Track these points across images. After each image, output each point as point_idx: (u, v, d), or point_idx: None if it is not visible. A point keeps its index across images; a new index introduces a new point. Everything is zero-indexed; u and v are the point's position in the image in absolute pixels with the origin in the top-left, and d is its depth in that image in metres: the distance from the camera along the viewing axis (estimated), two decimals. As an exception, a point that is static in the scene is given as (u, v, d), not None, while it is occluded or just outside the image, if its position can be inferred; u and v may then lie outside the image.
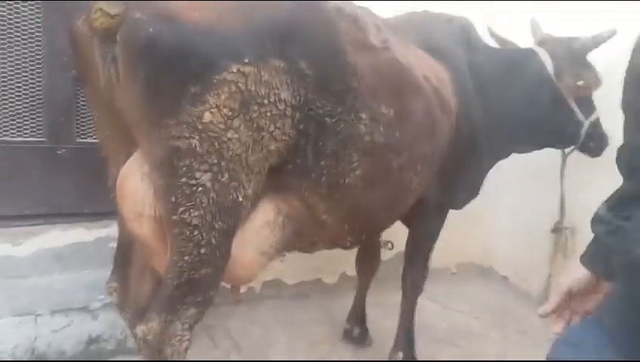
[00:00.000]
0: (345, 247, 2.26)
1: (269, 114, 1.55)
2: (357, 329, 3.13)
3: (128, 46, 1.39)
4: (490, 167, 3.04)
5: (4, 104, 2.63)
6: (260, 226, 1.80)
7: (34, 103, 2.68)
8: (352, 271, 3.80)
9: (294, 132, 1.65)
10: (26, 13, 2.62)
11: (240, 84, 1.46)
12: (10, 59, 2.60)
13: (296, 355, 2.93)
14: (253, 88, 1.49)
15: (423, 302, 3.78)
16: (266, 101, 1.53)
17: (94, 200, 2.74)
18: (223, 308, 3.33)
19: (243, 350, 2.93)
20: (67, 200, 2.77)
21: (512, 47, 3.10)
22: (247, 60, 1.46)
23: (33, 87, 2.67)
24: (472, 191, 2.92)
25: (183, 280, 1.57)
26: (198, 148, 1.45)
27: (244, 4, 1.54)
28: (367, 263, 3.10)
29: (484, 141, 2.71)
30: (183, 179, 1.47)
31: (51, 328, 2.43)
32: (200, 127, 1.44)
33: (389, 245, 3.16)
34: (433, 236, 2.79)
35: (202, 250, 1.55)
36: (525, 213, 4.10)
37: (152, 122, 1.45)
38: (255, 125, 1.53)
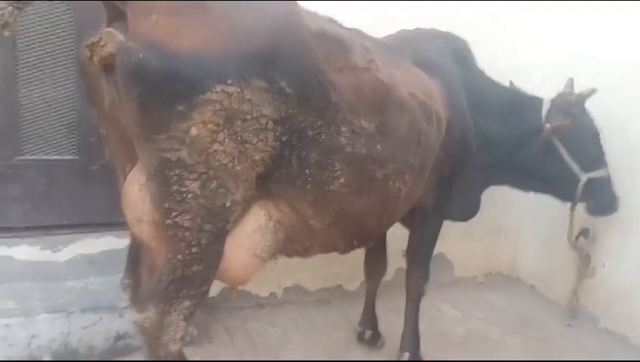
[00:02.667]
0: (339, 252, 2.40)
1: (252, 128, 1.73)
2: (368, 331, 3.25)
3: (123, 71, 1.61)
4: (484, 187, 3.20)
5: (42, 126, 2.99)
6: (252, 230, 1.97)
7: (68, 125, 3.03)
8: (372, 278, 3.94)
9: (278, 143, 1.83)
10: (60, 43, 2.96)
11: (224, 102, 1.65)
12: (48, 85, 2.95)
13: (309, 356, 3.08)
14: (236, 106, 1.68)
15: (444, 308, 3.89)
16: (248, 117, 1.71)
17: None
18: (246, 311, 3.55)
19: (258, 349, 3.11)
20: (99, 212, 3.08)
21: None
22: (230, 81, 1.65)
23: (67, 111, 3.02)
24: (465, 200, 3.07)
25: (177, 276, 1.76)
26: (187, 160, 1.65)
27: (229, 31, 1.72)
28: (374, 267, 3.23)
29: (477, 152, 2.87)
30: (175, 187, 1.68)
31: (82, 325, 2.71)
32: (188, 140, 1.64)
33: (404, 252, 3.28)
34: (431, 240, 2.92)
35: (193, 249, 1.74)
36: (552, 225, 4.08)
37: (146, 137, 1.66)
38: (239, 138, 1.72)
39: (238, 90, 1.67)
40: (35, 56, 2.91)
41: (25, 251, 2.89)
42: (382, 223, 2.48)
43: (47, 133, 3.00)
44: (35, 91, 2.94)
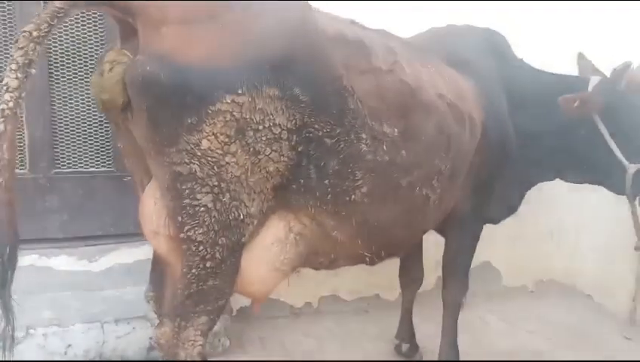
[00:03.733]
0: (367, 264, 2.29)
1: (264, 138, 1.67)
2: (405, 344, 3.13)
3: (132, 84, 1.60)
4: (527, 186, 2.95)
5: (78, 139, 3.06)
6: (271, 243, 1.91)
7: (104, 137, 3.09)
8: (412, 287, 3.80)
9: (293, 153, 1.76)
10: (93, 55, 3.03)
11: (235, 113, 1.61)
12: (83, 98, 3.02)
13: (345, 368, 3.00)
14: (248, 116, 1.63)
15: (489, 320, 3.70)
16: (261, 127, 1.66)
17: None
18: (281, 320, 3.50)
19: (292, 360, 3.04)
20: (135, 222, 3.09)
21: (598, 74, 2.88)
22: (240, 91, 1.61)
23: (103, 123, 3.07)
24: (507, 202, 2.85)
25: (192, 291, 1.73)
26: (198, 173, 1.62)
27: (239, 39, 1.67)
28: (410, 278, 3.10)
29: (517, 153, 2.67)
30: (187, 201, 1.64)
31: (116, 334, 2.74)
32: (199, 153, 1.60)
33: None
34: (468, 248, 2.75)
35: (208, 264, 1.71)
36: (611, 228, 3.79)
37: (157, 150, 1.64)
38: (252, 149, 1.66)
39: (250, 99, 1.62)
40: (68, 69, 2.99)
41: (63, 261, 2.96)
42: (411, 233, 2.37)
43: (83, 146, 3.07)
44: (70, 105, 3.02)
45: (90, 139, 3.08)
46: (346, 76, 1.85)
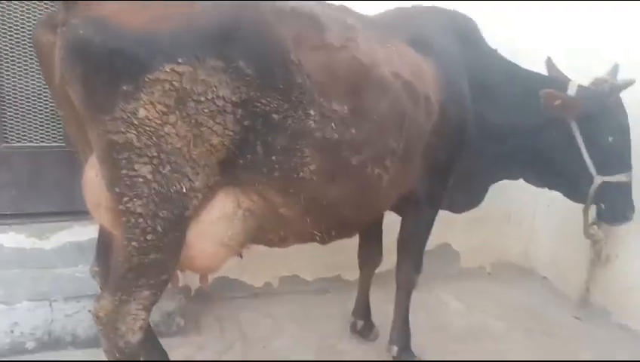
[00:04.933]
0: (319, 242, 2.29)
1: (207, 110, 1.65)
2: (361, 322, 3.15)
3: (65, 48, 1.55)
4: (492, 180, 2.95)
5: (30, 114, 2.96)
6: (217, 218, 1.89)
7: (55, 112, 2.98)
8: (373, 267, 3.83)
9: (239, 127, 1.74)
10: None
11: (175, 82, 1.58)
12: (33, 74, 2.92)
13: (299, 347, 3.00)
14: (189, 86, 1.60)
15: (446, 300, 3.75)
16: (203, 98, 1.63)
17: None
18: (239, 301, 3.49)
19: (248, 341, 3.04)
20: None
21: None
22: (180, 60, 1.57)
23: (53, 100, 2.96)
24: (472, 193, 2.89)
25: (133, 264, 1.71)
26: (135, 142, 1.59)
27: (182, 8, 1.65)
28: (368, 257, 3.11)
29: (483, 145, 2.66)
30: (124, 171, 1.61)
31: (65, 312, 2.68)
32: (136, 122, 1.57)
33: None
34: (423, 231, 2.75)
35: (148, 236, 1.68)
36: (565, 212, 3.86)
37: (92, 118, 1.60)
38: (193, 120, 1.64)
39: (191, 69, 1.59)
40: (17, 42, 2.88)
41: (12, 238, 2.88)
42: (362, 213, 2.36)
43: (34, 121, 2.98)
44: (20, 78, 2.91)
45: (40, 114, 2.98)
46: (295, 51, 1.82)
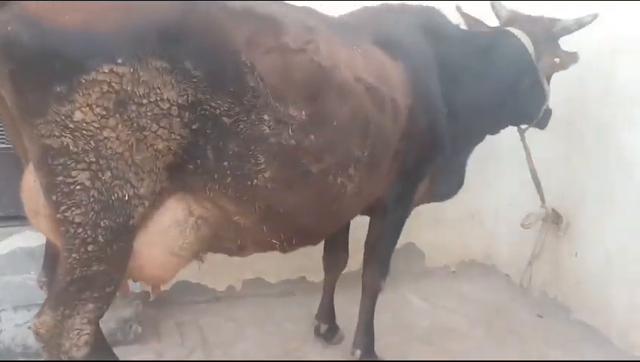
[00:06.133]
0: (279, 251, 2.22)
1: (149, 113, 1.57)
2: (324, 326, 3.11)
3: None
4: (469, 154, 2.96)
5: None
6: (168, 226, 1.82)
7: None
8: (338, 269, 3.80)
9: (187, 131, 1.66)
10: None
11: (114, 84, 1.50)
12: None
13: (262, 351, 2.96)
14: (129, 88, 1.52)
15: (411, 300, 3.76)
16: (145, 101, 1.55)
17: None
18: (201, 305, 3.42)
19: (209, 346, 2.98)
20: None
21: (484, 27, 2.95)
22: (120, 61, 1.50)
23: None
24: (457, 178, 2.87)
25: (75, 277, 1.62)
26: (71, 147, 1.50)
27: (123, 5, 1.57)
28: (334, 259, 3.06)
29: (461, 128, 2.63)
30: (60, 178, 1.53)
31: (15, 322, 2.57)
32: (71, 125, 1.49)
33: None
34: (392, 235, 2.71)
35: (89, 248, 1.60)
36: (530, 208, 3.90)
37: (24, 121, 1.51)
38: (135, 124, 1.56)
39: (131, 70, 1.51)
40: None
41: (-42, 245, 2.74)
42: (325, 222, 2.29)
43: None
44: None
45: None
46: (247, 52, 1.75)
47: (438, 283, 4.05)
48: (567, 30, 2.79)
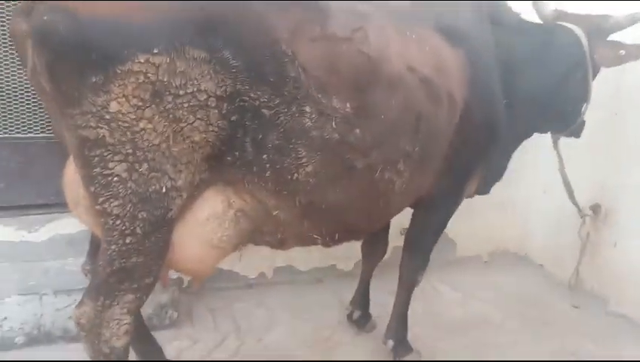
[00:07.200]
0: (322, 245, 2.18)
1: (186, 105, 1.55)
2: (357, 312, 3.09)
3: (32, 37, 1.47)
4: (517, 147, 2.87)
5: (17, 105, 2.87)
6: (206, 218, 1.81)
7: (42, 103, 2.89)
8: (368, 257, 3.79)
9: (225, 123, 1.64)
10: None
11: (150, 75, 1.48)
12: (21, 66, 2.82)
13: (294, 338, 2.98)
14: (165, 78, 1.50)
15: (443, 290, 3.72)
16: (182, 92, 1.53)
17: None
18: (233, 291, 3.46)
19: (242, 332, 3.01)
20: (76, 190, 2.98)
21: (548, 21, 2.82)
22: (156, 51, 1.47)
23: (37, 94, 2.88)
24: (501, 171, 2.79)
25: (115, 268, 1.64)
26: (108, 138, 1.50)
27: None
28: (373, 248, 3.00)
29: (513, 123, 2.53)
30: (97, 169, 1.53)
31: (56, 307, 2.65)
32: (107, 116, 1.48)
33: (402, 230, 3.08)
34: (436, 229, 2.66)
35: (128, 239, 1.61)
36: (562, 198, 3.81)
37: (61, 112, 1.52)
38: (172, 116, 1.54)
39: (167, 60, 1.49)
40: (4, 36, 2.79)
41: (1, 232, 2.81)
42: (371, 218, 2.22)
43: (21, 111, 2.88)
44: (6, 69, 2.82)
45: (28, 104, 2.89)
46: (288, 41, 1.69)
47: (470, 273, 4.01)
48: (620, 26, 2.65)
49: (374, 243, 3.02)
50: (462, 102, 2.24)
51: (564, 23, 2.70)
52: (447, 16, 2.32)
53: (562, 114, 2.82)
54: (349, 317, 3.14)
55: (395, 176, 2.06)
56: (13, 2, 2.73)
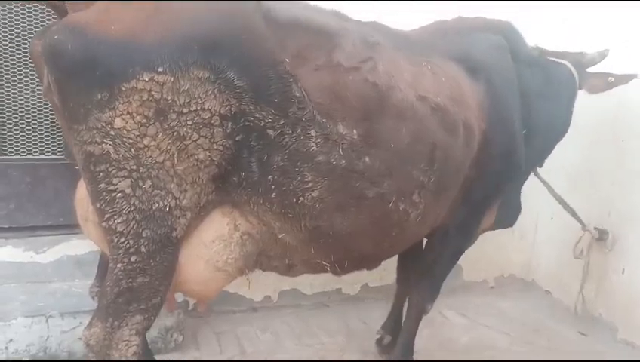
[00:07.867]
0: (332, 273, 2.15)
1: (190, 122, 1.57)
2: (388, 337, 3.00)
3: (43, 54, 1.52)
4: (527, 178, 2.90)
5: (28, 126, 2.94)
6: (211, 240, 1.81)
7: (54, 124, 2.96)
8: (374, 282, 3.79)
9: (230, 142, 1.65)
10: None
11: (154, 93, 1.51)
12: (32, 85, 2.89)
13: (299, 363, 2.95)
14: (169, 97, 1.53)
15: (449, 315, 3.69)
16: (186, 110, 1.56)
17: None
18: (238, 315, 3.44)
19: (247, 356, 2.99)
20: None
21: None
22: (161, 70, 1.51)
23: (51, 111, 2.94)
24: (517, 205, 2.82)
25: (122, 288, 1.65)
26: (112, 154, 1.53)
27: (166, 14, 1.58)
28: (408, 274, 2.89)
29: (529, 154, 2.55)
30: (102, 185, 1.56)
31: (62, 329, 2.64)
32: (112, 132, 1.51)
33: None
34: (448, 262, 2.63)
35: (132, 258, 1.62)
36: (571, 222, 3.80)
37: (68, 127, 1.56)
38: (175, 133, 1.56)
39: (172, 79, 1.52)
40: (15, 55, 2.86)
41: (8, 252, 2.85)
42: (383, 248, 2.19)
43: (32, 133, 2.95)
44: (19, 90, 2.89)
45: (38, 126, 2.96)
46: (292, 65, 1.72)
47: (477, 298, 3.98)
48: (594, 61, 2.88)
49: (411, 270, 2.90)
50: (479, 134, 2.24)
51: (554, 59, 2.85)
52: (463, 46, 2.35)
53: (556, 142, 2.92)
54: (379, 342, 3.04)
55: (409, 207, 2.05)
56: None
